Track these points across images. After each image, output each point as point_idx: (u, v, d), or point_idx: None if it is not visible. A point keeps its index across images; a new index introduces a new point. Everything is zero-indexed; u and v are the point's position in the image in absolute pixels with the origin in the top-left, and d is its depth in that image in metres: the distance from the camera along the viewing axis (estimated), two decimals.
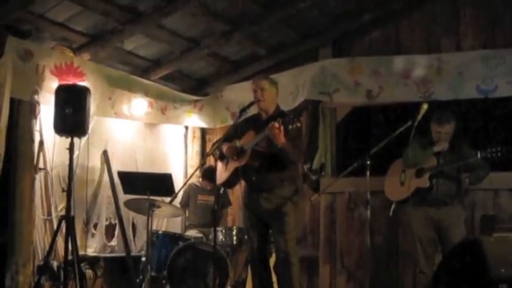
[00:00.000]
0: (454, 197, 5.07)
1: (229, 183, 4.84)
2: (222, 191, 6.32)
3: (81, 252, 5.36)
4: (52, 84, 5.41)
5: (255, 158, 4.54)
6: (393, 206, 5.32)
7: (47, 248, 5.14)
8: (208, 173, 6.45)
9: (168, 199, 5.41)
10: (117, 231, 6.44)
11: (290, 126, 4.25)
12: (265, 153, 4.52)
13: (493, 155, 4.72)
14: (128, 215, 6.47)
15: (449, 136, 5.09)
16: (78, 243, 4.95)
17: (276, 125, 4.24)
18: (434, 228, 5.09)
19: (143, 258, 5.67)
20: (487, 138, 6.09)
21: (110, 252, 6.35)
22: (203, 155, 7.58)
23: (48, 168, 5.68)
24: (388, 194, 5.40)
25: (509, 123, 6.08)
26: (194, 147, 7.68)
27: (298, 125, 4.26)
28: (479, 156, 4.80)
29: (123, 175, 5.67)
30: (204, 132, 7.73)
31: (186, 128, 7.62)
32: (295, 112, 4.52)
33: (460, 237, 4.89)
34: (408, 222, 5.37)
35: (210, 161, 7.10)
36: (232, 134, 4.80)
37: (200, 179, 6.77)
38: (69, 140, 4.81)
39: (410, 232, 5.30)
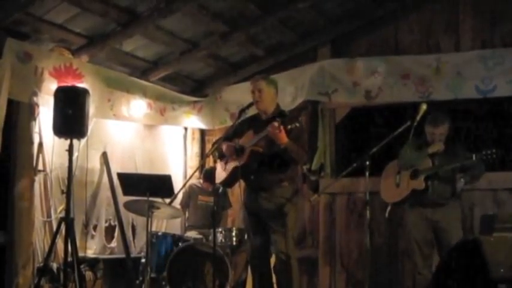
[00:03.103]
0: (449, 197, 5.06)
1: (228, 182, 4.82)
2: (221, 190, 6.31)
3: (80, 254, 5.34)
4: (51, 86, 5.41)
5: (253, 158, 4.54)
6: (389, 208, 5.33)
7: (47, 249, 5.13)
8: (209, 175, 6.44)
9: (167, 200, 5.41)
10: (116, 232, 6.44)
11: (289, 126, 4.25)
12: (264, 154, 4.52)
13: (488, 157, 4.71)
14: (128, 216, 6.47)
15: (444, 137, 5.08)
16: (78, 244, 4.94)
17: (276, 124, 4.24)
18: (431, 229, 5.09)
19: (143, 260, 5.66)
20: (480, 139, 6.08)
21: (110, 254, 6.35)
22: (202, 156, 7.58)
23: (48, 170, 5.68)
24: (384, 196, 5.40)
25: (503, 124, 6.09)
26: (193, 148, 7.68)
27: (297, 125, 4.26)
28: (474, 158, 4.78)
29: (122, 176, 5.67)
30: (203, 133, 7.73)
31: (185, 129, 7.62)
32: (293, 113, 4.51)
33: (456, 237, 4.88)
34: (405, 224, 5.37)
35: (209, 162, 7.11)
36: (232, 134, 4.80)
37: (201, 180, 6.77)
38: (68, 141, 4.81)
39: (407, 233, 5.30)
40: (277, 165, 4.55)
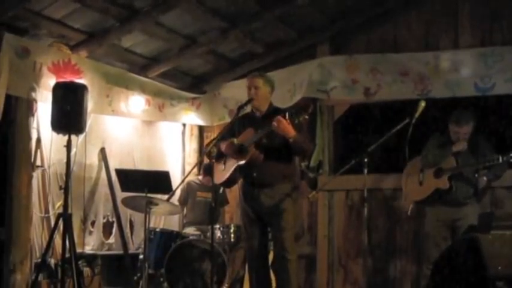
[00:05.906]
0: (471, 196, 5.09)
1: (230, 182, 4.78)
2: (221, 190, 6.30)
3: (78, 250, 5.34)
4: (49, 81, 5.40)
5: (260, 149, 4.48)
6: (411, 206, 5.33)
7: (45, 245, 5.15)
8: (209, 169, 6.42)
9: (165, 196, 5.40)
10: (114, 228, 6.45)
11: (296, 120, 4.25)
12: (270, 145, 4.48)
13: None
14: (126, 212, 6.48)
15: (468, 136, 5.07)
16: (76, 240, 4.95)
17: (281, 118, 4.23)
18: (450, 227, 5.12)
19: (141, 256, 5.67)
20: (505, 138, 6.04)
21: (108, 250, 6.35)
22: (201, 152, 7.57)
23: (46, 165, 5.68)
24: (406, 194, 5.42)
25: None
26: (192, 145, 7.67)
27: (306, 117, 4.26)
28: (501, 160, 4.79)
29: (120, 173, 5.67)
30: (201, 129, 7.72)
31: (184, 125, 7.61)
32: (301, 106, 4.47)
33: None
34: (424, 221, 5.35)
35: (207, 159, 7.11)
36: (228, 133, 4.76)
37: (200, 177, 6.76)
38: (66, 137, 4.80)
39: (426, 230, 5.28)
40: (280, 160, 4.54)
